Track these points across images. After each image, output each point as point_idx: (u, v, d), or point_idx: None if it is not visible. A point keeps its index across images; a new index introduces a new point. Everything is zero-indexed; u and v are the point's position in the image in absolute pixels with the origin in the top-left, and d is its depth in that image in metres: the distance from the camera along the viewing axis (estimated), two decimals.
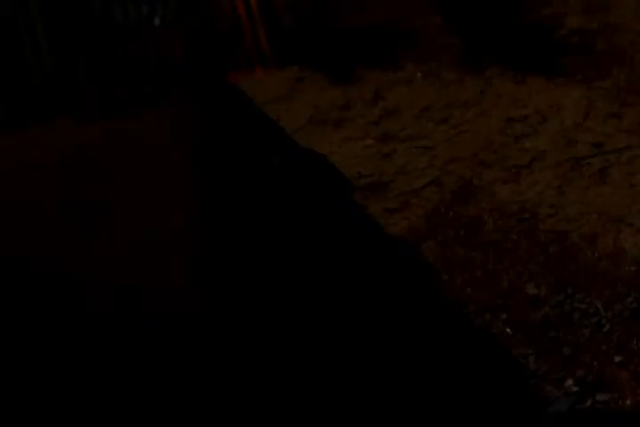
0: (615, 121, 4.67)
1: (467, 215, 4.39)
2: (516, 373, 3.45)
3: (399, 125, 5.00)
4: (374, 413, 2.79)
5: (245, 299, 2.63)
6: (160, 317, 2.52)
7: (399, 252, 4.04)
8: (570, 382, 3.40)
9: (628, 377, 3.38)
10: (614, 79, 4.92)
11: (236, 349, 2.52)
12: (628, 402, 3.28)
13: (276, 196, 3.11)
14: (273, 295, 2.71)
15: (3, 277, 2.61)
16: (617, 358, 3.45)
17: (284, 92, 5.35)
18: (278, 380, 2.58)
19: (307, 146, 4.60)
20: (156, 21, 5.42)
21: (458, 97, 5.06)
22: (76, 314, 2.55)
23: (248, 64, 5.61)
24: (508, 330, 3.69)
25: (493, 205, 4.41)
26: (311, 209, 3.24)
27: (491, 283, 3.96)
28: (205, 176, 2.78)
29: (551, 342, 3.59)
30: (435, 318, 3.53)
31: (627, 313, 3.63)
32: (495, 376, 3.37)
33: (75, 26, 5.39)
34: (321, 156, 4.37)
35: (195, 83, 4.95)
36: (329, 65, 5.44)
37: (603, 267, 3.92)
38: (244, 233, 2.80)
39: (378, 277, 3.36)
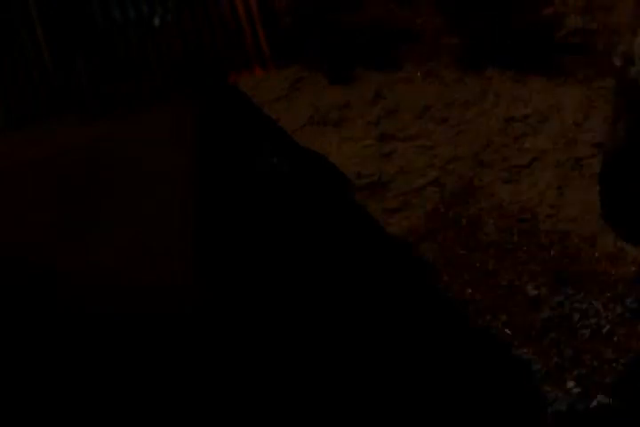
0: None
1: (467, 215, 4.40)
2: (516, 373, 3.45)
3: (399, 125, 5.00)
4: (374, 413, 2.79)
5: (245, 299, 2.63)
6: (160, 317, 2.52)
7: (399, 252, 4.04)
8: (570, 382, 3.40)
9: (628, 377, 3.38)
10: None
11: (236, 349, 2.52)
12: (628, 402, 3.28)
13: (276, 196, 3.11)
14: (273, 295, 2.71)
15: (2, 278, 2.61)
16: (617, 359, 3.46)
17: (283, 92, 5.35)
18: (278, 380, 2.59)
19: (307, 146, 4.60)
20: (156, 21, 5.41)
21: (458, 97, 5.06)
22: (76, 314, 2.55)
23: (248, 64, 5.61)
24: (507, 331, 3.69)
25: (493, 205, 4.41)
26: (311, 209, 3.25)
27: (491, 283, 3.96)
28: (205, 176, 2.78)
29: (551, 343, 3.59)
30: (435, 318, 3.53)
31: (627, 314, 3.63)
32: (495, 377, 3.37)
33: (75, 26, 5.38)
34: (321, 156, 4.37)
35: (195, 83, 4.95)
36: (329, 65, 5.44)
37: (603, 267, 3.92)
38: (244, 233, 2.80)
39: (378, 278, 3.36)
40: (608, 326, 3.60)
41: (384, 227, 4.27)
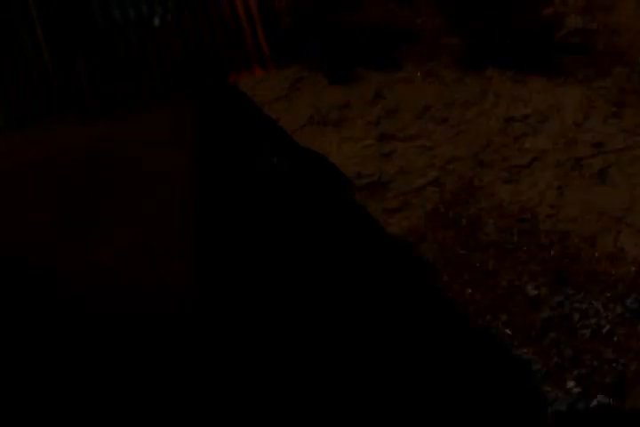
0: (615, 121, 4.66)
1: (467, 215, 4.39)
2: (516, 373, 3.45)
3: (399, 125, 5.00)
4: (375, 412, 2.79)
5: (245, 299, 2.63)
6: (160, 317, 2.52)
7: (399, 252, 4.04)
8: (570, 382, 3.40)
9: (628, 378, 3.38)
10: (614, 79, 4.91)
11: (235, 348, 2.52)
12: (629, 403, 3.28)
13: (276, 195, 3.11)
14: (273, 295, 2.71)
15: (3, 277, 2.61)
16: (617, 359, 3.45)
17: (283, 93, 5.34)
18: (278, 379, 2.59)
19: (307, 146, 4.59)
20: (156, 21, 5.41)
21: (458, 97, 5.06)
22: (76, 314, 2.55)
23: (248, 64, 5.60)
24: (507, 331, 3.69)
25: (493, 205, 4.41)
26: (311, 209, 3.25)
27: (491, 283, 3.96)
28: (205, 176, 2.78)
29: (551, 343, 3.59)
30: (435, 319, 3.53)
31: (627, 314, 3.63)
32: (495, 377, 3.37)
33: (75, 26, 5.39)
34: (321, 156, 4.37)
35: (195, 83, 4.94)
36: (329, 65, 5.44)
37: (603, 267, 3.92)
38: (243, 233, 2.80)
39: (378, 278, 3.36)
40: (608, 326, 3.59)
41: (384, 227, 4.27)
